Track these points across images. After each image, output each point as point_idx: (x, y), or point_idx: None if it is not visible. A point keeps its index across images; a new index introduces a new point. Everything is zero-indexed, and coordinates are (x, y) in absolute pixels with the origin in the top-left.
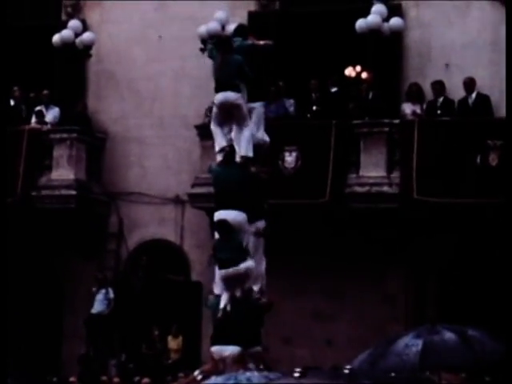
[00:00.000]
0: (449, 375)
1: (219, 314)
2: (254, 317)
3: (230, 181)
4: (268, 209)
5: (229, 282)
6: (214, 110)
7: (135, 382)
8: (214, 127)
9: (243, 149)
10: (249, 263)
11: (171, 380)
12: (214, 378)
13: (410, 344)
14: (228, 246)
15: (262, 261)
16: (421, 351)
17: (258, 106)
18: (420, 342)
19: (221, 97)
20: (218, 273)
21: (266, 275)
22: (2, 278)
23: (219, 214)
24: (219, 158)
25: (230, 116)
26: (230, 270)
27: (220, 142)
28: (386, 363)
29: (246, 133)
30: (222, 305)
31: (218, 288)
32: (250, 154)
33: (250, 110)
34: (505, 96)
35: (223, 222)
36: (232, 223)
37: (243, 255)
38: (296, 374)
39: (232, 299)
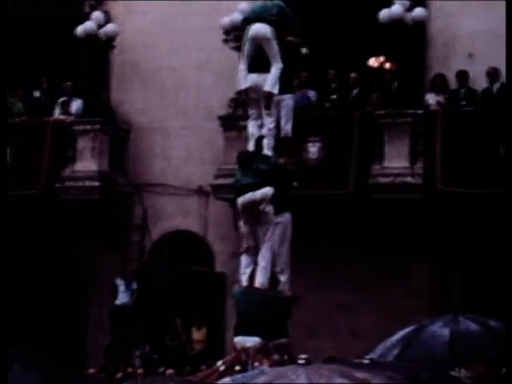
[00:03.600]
0: (483, 368)
1: None
2: (280, 309)
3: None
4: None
5: (246, 210)
6: (245, 45)
7: (159, 372)
8: (241, 65)
9: (269, 85)
10: (266, 189)
11: (192, 371)
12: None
13: (437, 334)
14: (248, 174)
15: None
16: (449, 342)
17: (287, 99)
18: (447, 332)
19: (252, 30)
20: (237, 202)
21: (290, 267)
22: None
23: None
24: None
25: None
26: (247, 196)
27: (240, 83)
28: (413, 353)
29: (275, 71)
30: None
31: (244, 278)
32: (275, 91)
33: (279, 102)
34: None
35: (244, 154)
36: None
37: (262, 180)
38: (301, 361)
39: (259, 293)
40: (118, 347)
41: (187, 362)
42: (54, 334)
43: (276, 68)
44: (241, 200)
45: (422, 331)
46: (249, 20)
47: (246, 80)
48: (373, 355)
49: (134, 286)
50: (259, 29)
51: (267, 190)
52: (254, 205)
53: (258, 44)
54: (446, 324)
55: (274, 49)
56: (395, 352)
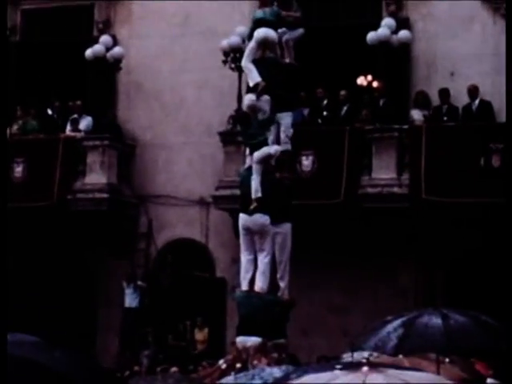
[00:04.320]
0: (480, 365)
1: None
2: (278, 312)
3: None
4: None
5: (260, 163)
6: (252, 45)
7: (162, 369)
8: (247, 64)
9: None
10: (276, 147)
11: (194, 369)
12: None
13: (431, 325)
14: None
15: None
16: (445, 333)
17: (284, 116)
18: (440, 324)
19: (262, 33)
20: (251, 158)
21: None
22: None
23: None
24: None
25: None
26: (263, 150)
27: (254, 77)
28: (411, 344)
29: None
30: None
31: (244, 283)
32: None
33: (278, 120)
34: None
35: (243, 114)
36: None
37: (263, 129)
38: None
39: (259, 297)
40: (126, 348)
41: (191, 360)
42: (65, 336)
43: None
44: (242, 221)
45: (412, 323)
46: (257, 22)
47: (244, 98)
48: (366, 348)
49: (139, 289)
50: (267, 33)
51: (277, 148)
52: (269, 158)
53: (257, 63)
54: (435, 316)
55: (276, 51)
56: (392, 343)
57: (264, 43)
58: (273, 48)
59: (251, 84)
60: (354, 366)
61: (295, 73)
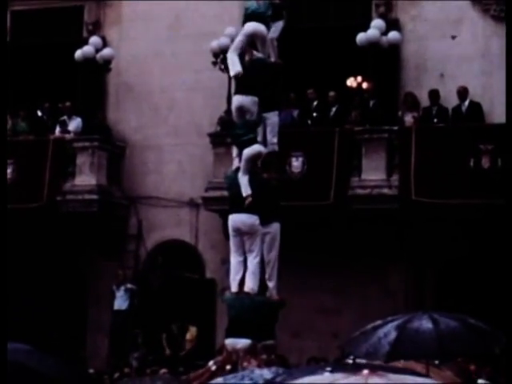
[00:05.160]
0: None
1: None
2: (268, 313)
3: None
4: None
5: (249, 161)
6: (240, 37)
7: (152, 371)
8: (232, 55)
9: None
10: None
11: (186, 371)
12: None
13: (422, 330)
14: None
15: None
16: (437, 338)
17: (271, 116)
18: (431, 329)
19: (251, 27)
20: (238, 160)
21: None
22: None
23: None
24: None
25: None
26: (254, 148)
27: (235, 68)
28: (404, 350)
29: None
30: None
31: (233, 285)
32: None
33: (264, 120)
34: (495, 103)
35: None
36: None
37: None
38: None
39: (249, 297)
40: (116, 349)
41: (180, 362)
42: (55, 337)
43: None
44: (232, 222)
45: (403, 329)
46: (247, 17)
47: (232, 100)
48: (358, 354)
49: (129, 292)
50: (257, 27)
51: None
52: (258, 157)
53: (245, 66)
54: (426, 321)
55: (268, 47)
56: (384, 350)
57: (252, 37)
58: (262, 42)
59: (232, 74)
60: (354, 369)
61: (280, 71)
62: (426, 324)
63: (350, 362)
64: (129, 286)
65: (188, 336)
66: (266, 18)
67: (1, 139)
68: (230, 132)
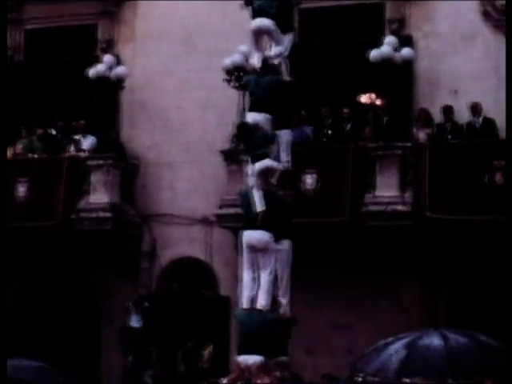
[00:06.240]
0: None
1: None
2: (280, 330)
3: None
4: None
5: (260, 176)
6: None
7: None
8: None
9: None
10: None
11: None
12: None
13: (432, 348)
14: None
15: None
16: (447, 356)
17: (284, 134)
18: (442, 346)
19: (255, 23)
20: (253, 167)
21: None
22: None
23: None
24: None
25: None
26: (264, 162)
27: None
28: (414, 367)
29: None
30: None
31: (246, 302)
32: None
33: (277, 138)
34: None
35: (243, 124)
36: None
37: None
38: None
39: (261, 314)
40: (131, 367)
41: (194, 379)
42: (70, 356)
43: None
44: (247, 238)
45: (414, 346)
46: (256, 11)
47: (247, 116)
48: (368, 371)
49: (143, 309)
50: (262, 23)
51: (278, 164)
52: (269, 171)
53: (259, 82)
54: (436, 338)
55: (277, 37)
56: (394, 367)
57: (258, 33)
58: (270, 35)
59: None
60: None
61: (294, 89)
62: (436, 341)
63: (360, 379)
64: (146, 304)
65: (205, 355)
66: (273, 15)
67: (1, 158)
68: (244, 144)
